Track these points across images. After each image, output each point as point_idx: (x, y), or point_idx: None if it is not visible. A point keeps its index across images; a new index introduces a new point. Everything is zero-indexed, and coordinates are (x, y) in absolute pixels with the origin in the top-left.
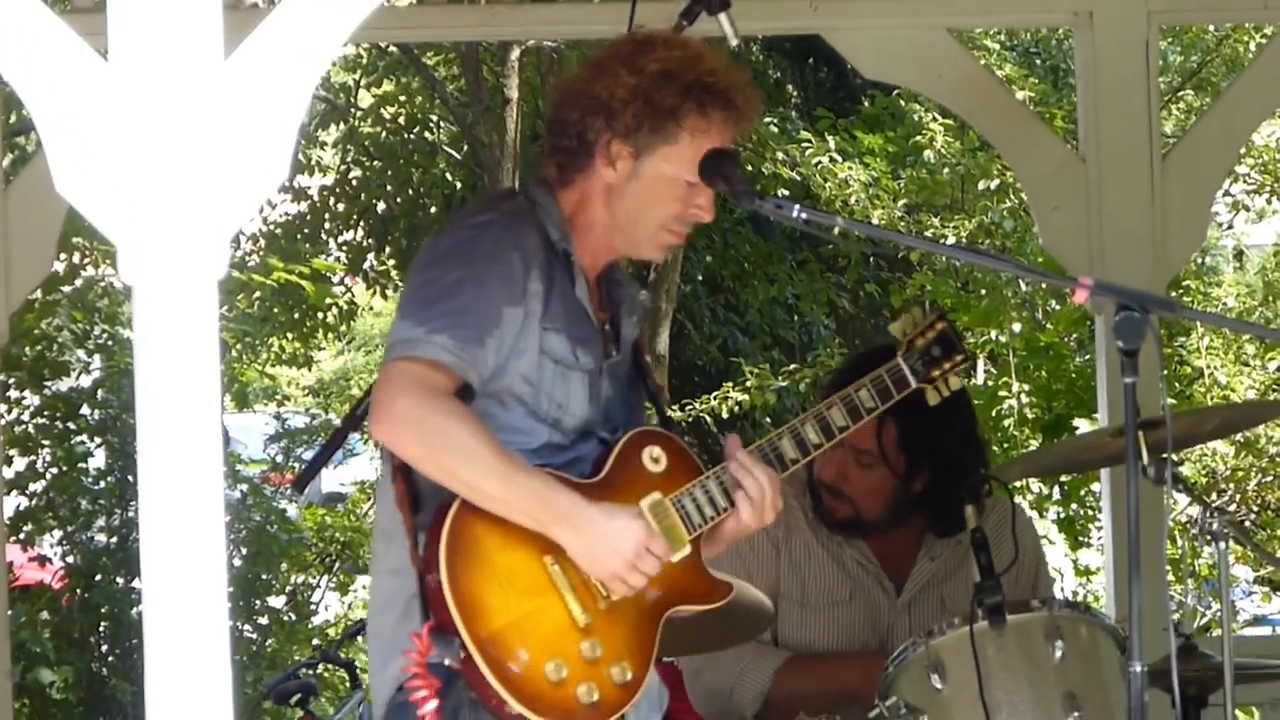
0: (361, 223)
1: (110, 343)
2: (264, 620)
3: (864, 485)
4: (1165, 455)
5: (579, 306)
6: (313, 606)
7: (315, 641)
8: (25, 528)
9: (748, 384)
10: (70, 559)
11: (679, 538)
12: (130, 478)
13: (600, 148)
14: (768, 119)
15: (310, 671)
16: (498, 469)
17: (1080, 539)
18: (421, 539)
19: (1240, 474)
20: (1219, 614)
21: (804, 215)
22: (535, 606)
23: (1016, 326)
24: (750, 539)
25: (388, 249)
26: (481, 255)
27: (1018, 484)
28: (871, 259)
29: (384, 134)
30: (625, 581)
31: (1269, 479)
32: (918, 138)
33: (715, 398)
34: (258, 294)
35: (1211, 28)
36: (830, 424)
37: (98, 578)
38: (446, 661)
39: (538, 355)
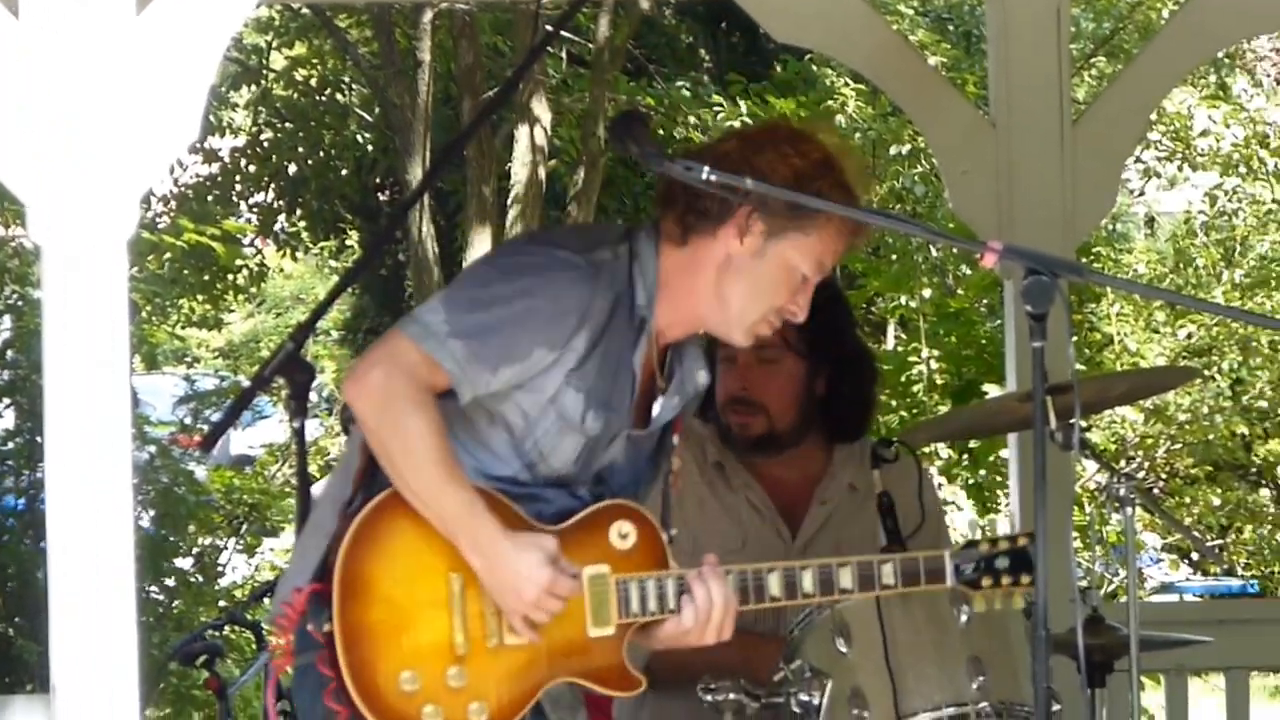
0: (272, 185)
1: (20, 303)
2: (171, 582)
3: (771, 385)
4: (1073, 420)
5: (626, 370)
6: (220, 568)
7: (222, 603)
8: None
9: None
10: None
11: (607, 616)
12: (39, 439)
13: (738, 216)
14: (679, 82)
15: (217, 633)
16: (434, 475)
17: (988, 505)
18: (366, 492)
19: (1149, 441)
20: (1126, 581)
21: (712, 177)
22: (420, 616)
23: (927, 292)
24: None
25: (299, 211)
26: (546, 291)
27: (925, 449)
28: None
29: (296, 96)
30: (526, 620)
31: (1177, 446)
32: (829, 103)
33: None
34: (168, 255)
35: None
36: (832, 582)
37: (4, 539)
38: (309, 628)
39: (547, 402)
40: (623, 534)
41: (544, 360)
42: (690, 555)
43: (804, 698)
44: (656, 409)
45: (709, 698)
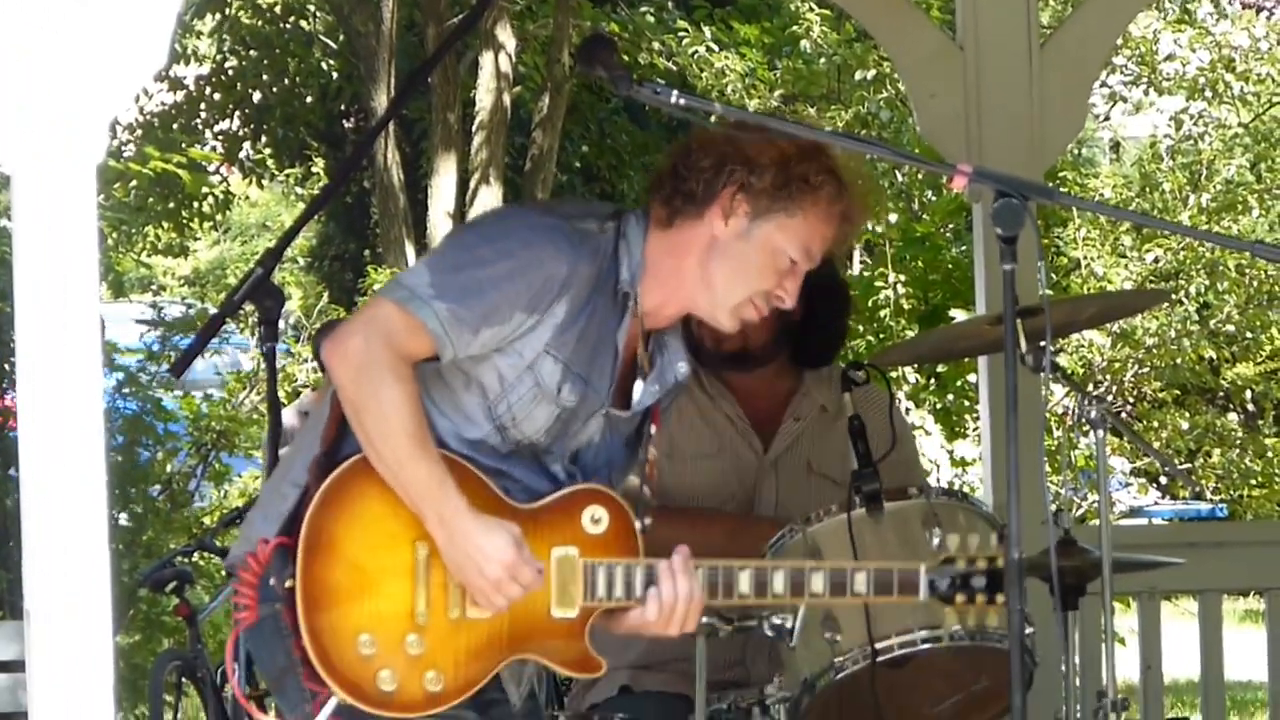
0: (238, 112)
1: None
2: (140, 508)
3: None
4: (1043, 343)
5: (609, 347)
6: (189, 495)
7: (191, 530)
8: None
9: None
10: None
11: (570, 598)
12: (6, 365)
13: (723, 198)
14: (644, 8)
15: (186, 560)
16: (405, 446)
17: (956, 430)
18: (333, 456)
19: (1117, 365)
20: (1096, 504)
21: (681, 100)
22: (383, 582)
23: (893, 217)
24: None
25: (264, 138)
26: (530, 254)
27: (893, 374)
28: None
29: (260, 24)
30: (488, 600)
31: (1145, 370)
32: (794, 28)
33: None
34: (134, 183)
35: None
36: (804, 585)
37: None
38: (271, 582)
39: (524, 368)
40: (595, 518)
41: (524, 324)
42: (666, 455)
43: (776, 621)
44: (637, 393)
45: None
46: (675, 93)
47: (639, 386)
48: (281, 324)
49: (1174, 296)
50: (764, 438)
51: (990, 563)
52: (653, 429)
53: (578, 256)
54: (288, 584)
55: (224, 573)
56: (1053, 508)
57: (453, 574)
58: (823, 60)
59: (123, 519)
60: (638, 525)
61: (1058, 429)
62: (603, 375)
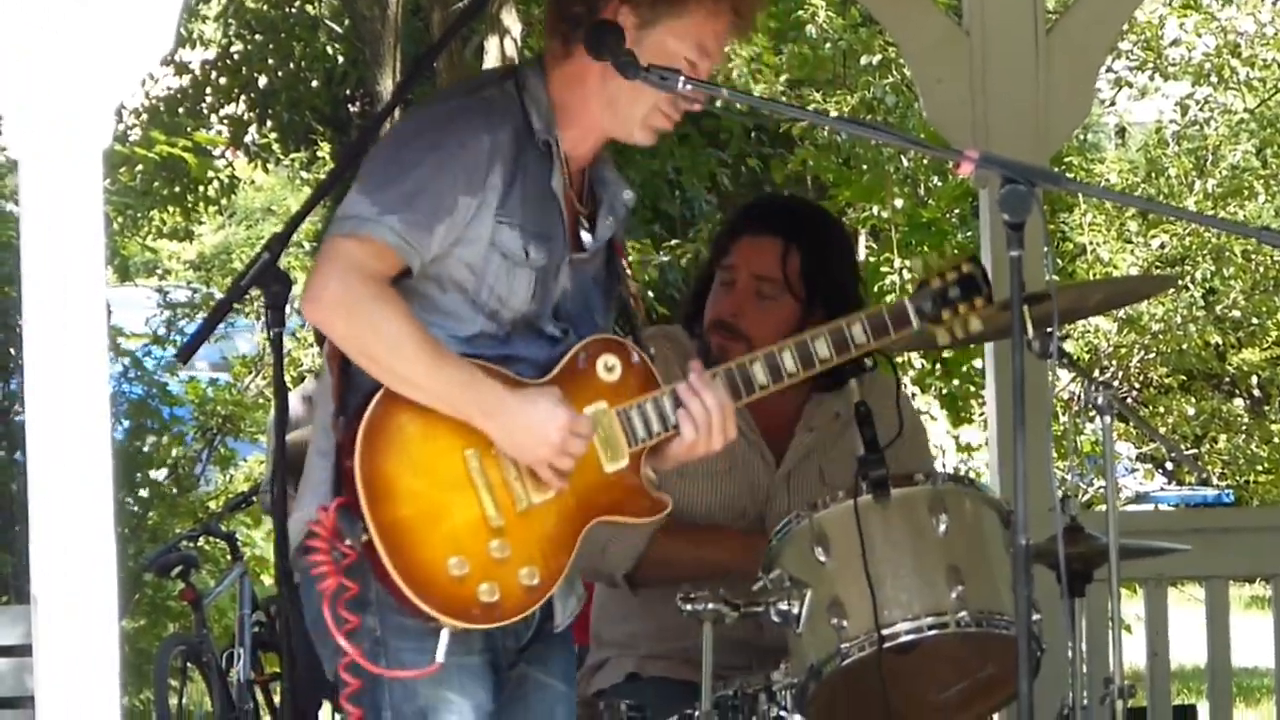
0: (243, 96)
1: None
2: (145, 493)
3: (763, 322)
4: (1050, 329)
5: (550, 198)
6: (194, 479)
7: (197, 515)
8: None
9: (630, 258)
10: None
11: (618, 449)
12: (11, 350)
13: (608, 14)
14: None
15: (191, 544)
16: (424, 358)
17: (962, 415)
18: (347, 410)
19: (1123, 351)
20: (1101, 490)
21: (688, 86)
22: (448, 500)
23: (899, 202)
24: None
25: (269, 123)
26: (450, 140)
27: (899, 360)
28: (753, 134)
29: (266, 8)
30: (554, 467)
31: (1151, 356)
32: (799, 12)
33: None
34: (139, 168)
35: None
36: (812, 354)
37: None
38: (348, 542)
39: (486, 246)
40: (608, 367)
41: (470, 207)
42: (678, 473)
43: (783, 607)
44: (588, 237)
45: (688, 607)
46: (681, 78)
47: (593, 229)
48: (287, 308)
49: (1180, 282)
50: (776, 450)
51: (958, 271)
52: (624, 263)
53: (492, 124)
54: (364, 538)
55: (229, 557)
56: (1059, 494)
57: (512, 457)
58: (828, 45)
59: (128, 503)
60: (647, 355)
61: (1063, 414)
62: (554, 226)
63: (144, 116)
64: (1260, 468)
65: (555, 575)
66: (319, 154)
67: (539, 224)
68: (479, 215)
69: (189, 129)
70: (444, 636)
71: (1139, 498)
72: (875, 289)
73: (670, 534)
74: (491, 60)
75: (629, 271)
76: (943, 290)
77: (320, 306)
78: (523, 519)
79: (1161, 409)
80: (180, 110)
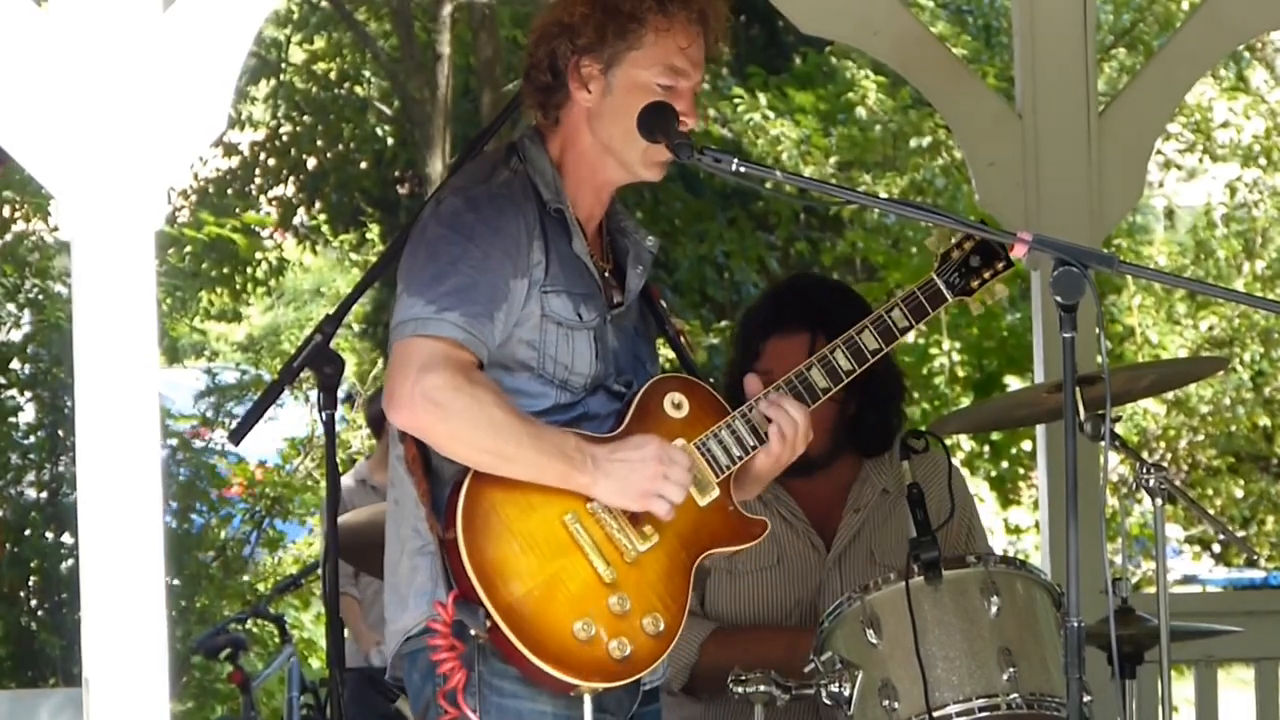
0: (292, 178)
1: (41, 297)
2: (193, 574)
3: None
4: (1102, 412)
5: (578, 262)
6: (243, 561)
7: (245, 597)
8: None
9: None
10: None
11: (707, 481)
12: (60, 432)
13: (571, 73)
14: None
15: (240, 626)
16: (524, 431)
17: (1010, 497)
18: (439, 507)
19: (1171, 433)
20: (1149, 572)
21: (742, 168)
22: (559, 568)
23: None
24: None
25: (318, 204)
26: (484, 228)
27: (948, 442)
28: (801, 217)
29: (315, 89)
30: (663, 496)
31: (1199, 438)
32: (849, 94)
33: None
34: (188, 249)
35: None
36: (862, 348)
37: (27, 532)
38: (473, 632)
39: (540, 320)
40: (676, 404)
41: (520, 289)
42: (728, 573)
43: (834, 689)
44: (618, 294)
45: (740, 689)
46: (735, 160)
47: (626, 279)
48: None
49: (1229, 364)
50: (825, 535)
51: (971, 239)
52: (663, 304)
53: (516, 203)
54: (487, 625)
55: (278, 639)
56: (1110, 576)
57: (619, 503)
58: (878, 127)
59: (175, 585)
60: (708, 385)
61: (1111, 496)
62: (591, 286)
63: (193, 198)
64: None
65: (677, 618)
66: (368, 235)
67: (581, 286)
68: (530, 295)
69: (238, 210)
70: (587, 704)
71: (1186, 579)
72: (924, 370)
73: (719, 643)
74: None
75: (667, 308)
76: (964, 259)
77: (412, 410)
78: (634, 569)
79: (1210, 491)
80: (229, 191)
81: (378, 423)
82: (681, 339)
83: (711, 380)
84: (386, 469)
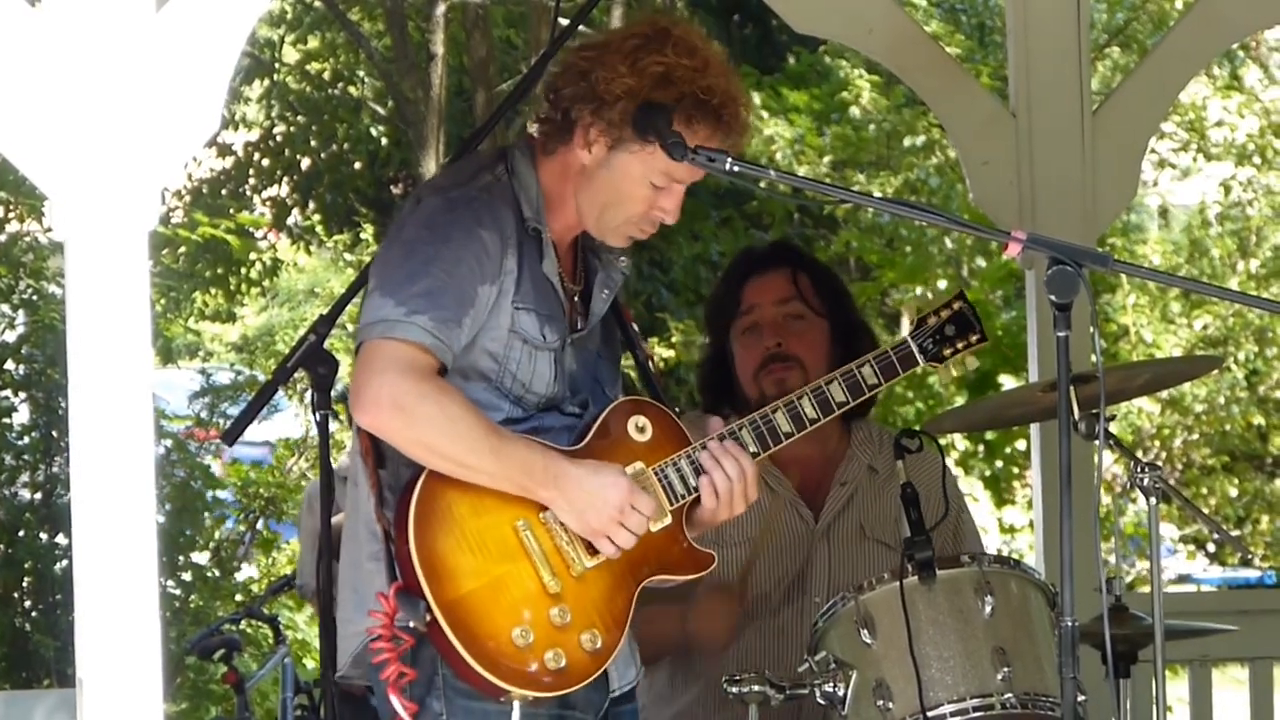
0: (286, 178)
1: (35, 298)
2: (187, 576)
3: (804, 339)
4: (1097, 411)
5: (547, 283)
6: (236, 562)
7: (239, 597)
8: None
9: (673, 340)
10: None
11: (661, 509)
12: (54, 433)
13: (581, 129)
14: None
15: (234, 627)
16: (486, 438)
17: (1004, 497)
18: (389, 499)
19: (1166, 432)
20: (1144, 571)
21: (736, 167)
22: (504, 572)
23: (942, 284)
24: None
25: (312, 204)
26: (459, 232)
27: (942, 441)
28: (796, 216)
29: (309, 89)
30: (613, 539)
31: (1194, 437)
32: (843, 94)
33: None
34: (182, 249)
35: None
36: (829, 399)
37: (21, 533)
38: (411, 624)
39: (507, 334)
40: (640, 427)
41: (490, 295)
42: (713, 543)
43: (828, 689)
44: (581, 320)
45: (734, 690)
46: (729, 160)
47: (592, 299)
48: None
49: (1223, 363)
50: (813, 506)
51: (950, 308)
52: (633, 327)
53: (495, 210)
54: (427, 618)
55: (272, 640)
56: (1104, 575)
57: (576, 526)
58: (872, 126)
59: (169, 586)
60: (673, 412)
61: (1105, 495)
62: (556, 308)
63: (187, 198)
64: None
65: (615, 637)
66: (362, 236)
67: (546, 306)
68: (499, 303)
69: (232, 211)
70: (516, 710)
71: (1181, 578)
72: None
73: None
74: None
75: (637, 330)
76: (940, 327)
77: (371, 412)
78: (579, 584)
79: (1204, 490)
80: (223, 192)
81: None
82: (650, 364)
83: (678, 410)
84: None
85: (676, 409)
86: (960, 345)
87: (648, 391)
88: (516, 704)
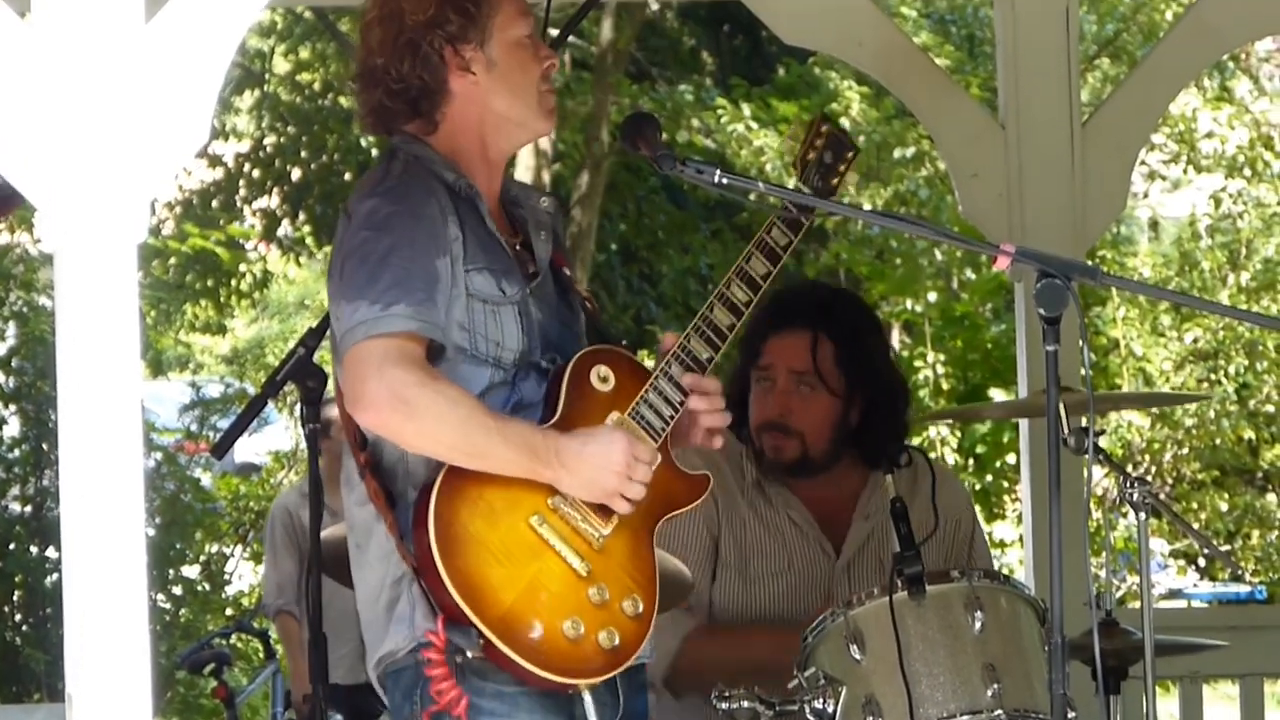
0: (276, 189)
1: (25, 309)
2: (178, 590)
3: (808, 413)
4: (1086, 425)
5: (492, 239)
6: (227, 576)
7: (229, 611)
8: None
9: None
10: None
11: (651, 449)
12: (45, 446)
13: (451, 63)
14: (682, 87)
15: (224, 641)
16: (491, 423)
17: (995, 511)
18: (408, 538)
19: (1156, 446)
20: (1134, 586)
21: (724, 180)
22: (536, 571)
23: (932, 296)
24: (684, 529)
25: (302, 215)
26: (400, 218)
27: (933, 454)
28: None
29: (299, 100)
30: (626, 496)
31: (1184, 451)
32: (833, 105)
33: None
34: (172, 261)
35: None
36: (753, 276)
37: (11, 546)
38: (470, 653)
39: (466, 298)
40: (602, 377)
41: (446, 267)
42: (740, 574)
43: (818, 705)
44: (531, 265)
45: (723, 705)
46: (718, 172)
47: (535, 246)
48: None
49: (1212, 377)
50: (835, 541)
51: (820, 136)
52: (566, 271)
53: (425, 186)
54: (480, 643)
55: (262, 654)
56: (1094, 590)
57: (587, 495)
58: (861, 138)
59: (160, 600)
60: (623, 346)
61: (1095, 510)
62: (508, 261)
63: (177, 209)
64: None
65: (652, 592)
66: None
67: (498, 262)
68: (455, 271)
69: (222, 222)
70: (588, 701)
71: (1171, 594)
72: (909, 383)
73: (705, 637)
74: (525, 153)
75: (575, 276)
76: (820, 160)
77: (379, 410)
78: (604, 556)
79: (1194, 505)
80: (213, 203)
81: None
82: (589, 305)
83: (624, 343)
84: (338, 490)
85: (624, 342)
86: (841, 168)
87: (595, 333)
88: (586, 694)
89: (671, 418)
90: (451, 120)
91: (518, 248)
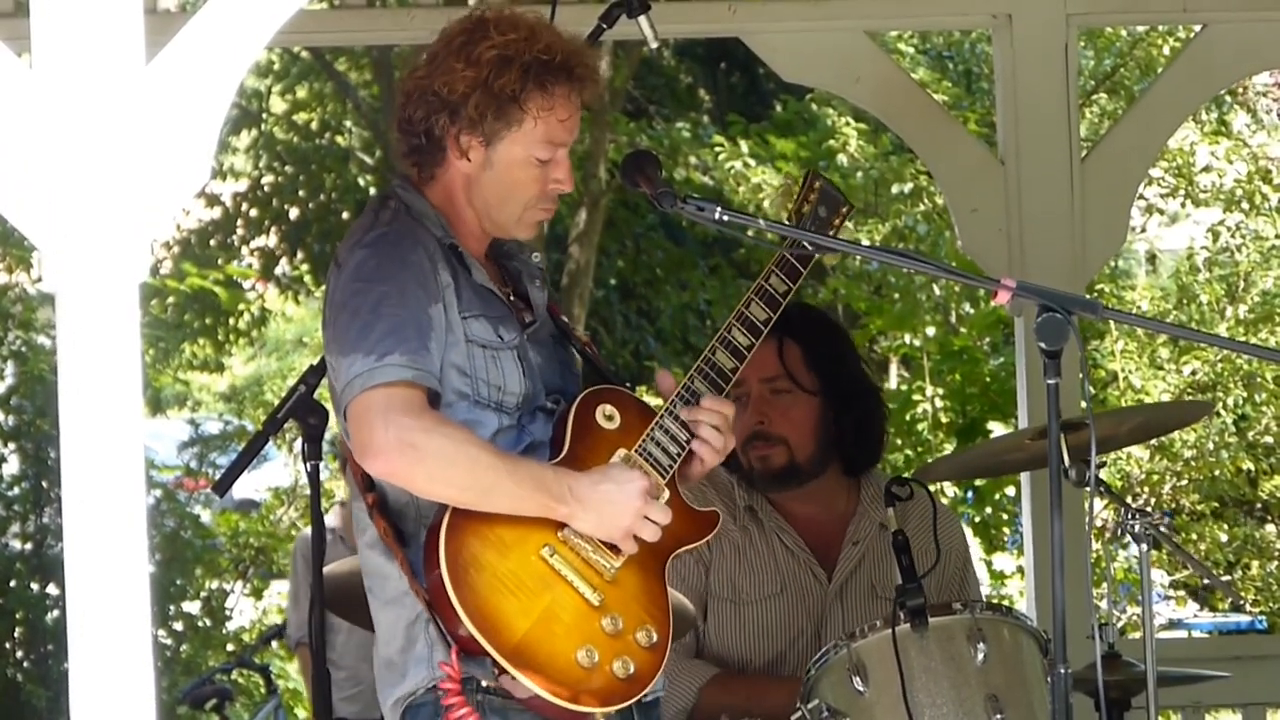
0: (274, 228)
1: (24, 349)
2: (179, 626)
3: (788, 416)
4: (1087, 458)
5: (485, 289)
6: (228, 612)
7: (230, 647)
8: None
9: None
10: None
11: (656, 488)
12: (44, 483)
13: (450, 142)
14: (680, 124)
15: (225, 677)
16: (501, 464)
17: (994, 543)
18: (420, 576)
19: (1155, 478)
20: (1135, 617)
21: (724, 216)
22: (549, 601)
23: (930, 330)
24: (678, 563)
25: (300, 254)
26: (390, 267)
27: (932, 487)
28: None
29: (296, 139)
30: (639, 535)
31: (1183, 483)
32: (831, 142)
33: None
34: (171, 299)
35: (1125, 31)
36: (753, 320)
37: (12, 583)
38: (484, 683)
39: (465, 344)
40: (608, 415)
41: (440, 313)
42: (731, 601)
43: None
44: (528, 315)
45: None
46: (718, 209)
47: (530, 294)
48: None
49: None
50: (826, 566)
51: (812, 190)
52: (564, 319)
53: (414, 235)
54: (496, 674)
55: (264, 689)
56: (1096, 622)
57: (602, 534)
58: (860, 174)
59: (160, 636)
60: (628, 387)
61: (1096, 542)
62: (503, 309)
63: (175, 249)
64: None
65: (666, 623)
66: None
67: (493, 309)
68: (449, 317)
69: (220, 261)
70: None
71: (1172, 624)
72: (907, 416)
73: (720, 687)
74: None
75: (569, 321)
76: (814, 214)
77: (388, 457)
78: (616, 587)
79: (1194, 536)
80: (211, 242)
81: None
82: (589, 350)
83: (628, 384)
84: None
85: (627, 383)
86: (837, 222)
87: (596, 376)
88: None
89: (679, 455)
90: (445, 183)
91: (511, 297)
